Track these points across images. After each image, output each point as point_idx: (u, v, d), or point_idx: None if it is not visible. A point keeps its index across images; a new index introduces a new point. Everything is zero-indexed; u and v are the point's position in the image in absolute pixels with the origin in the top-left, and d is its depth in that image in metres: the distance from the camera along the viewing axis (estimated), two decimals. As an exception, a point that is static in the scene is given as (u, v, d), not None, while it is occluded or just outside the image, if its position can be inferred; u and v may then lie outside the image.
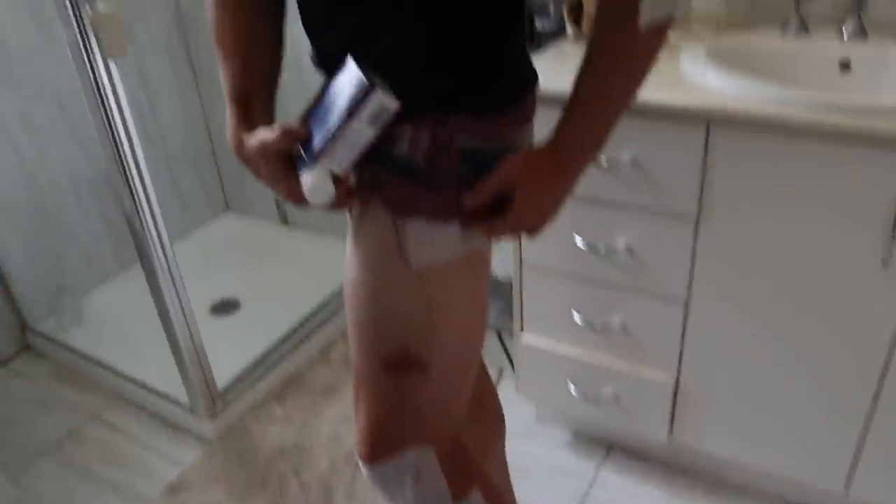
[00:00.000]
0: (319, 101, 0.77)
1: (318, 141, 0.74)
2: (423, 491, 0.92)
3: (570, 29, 1.51)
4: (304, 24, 0.86)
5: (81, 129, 2.17)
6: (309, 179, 0.75)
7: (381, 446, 0.91)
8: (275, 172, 0.79)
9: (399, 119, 0.74)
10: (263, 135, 0.78)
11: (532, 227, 0.82)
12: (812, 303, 1.24)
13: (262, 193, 2.58)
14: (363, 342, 0.89)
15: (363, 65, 0.74)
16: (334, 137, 0.73)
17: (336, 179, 0.76)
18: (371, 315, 0.86)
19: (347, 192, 0.80)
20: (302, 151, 0.76)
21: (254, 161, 0.81)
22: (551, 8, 1.54)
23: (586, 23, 1.48)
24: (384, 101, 0.71)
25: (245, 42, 0.84)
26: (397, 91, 0.72)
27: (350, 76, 0.73)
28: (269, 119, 0.85)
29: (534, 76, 0.87)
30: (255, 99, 0.84)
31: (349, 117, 0.71)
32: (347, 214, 1.07)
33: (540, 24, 1.55)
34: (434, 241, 0.82)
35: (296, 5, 0.85)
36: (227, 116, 0.85)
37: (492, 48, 0.80)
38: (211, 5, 0.86)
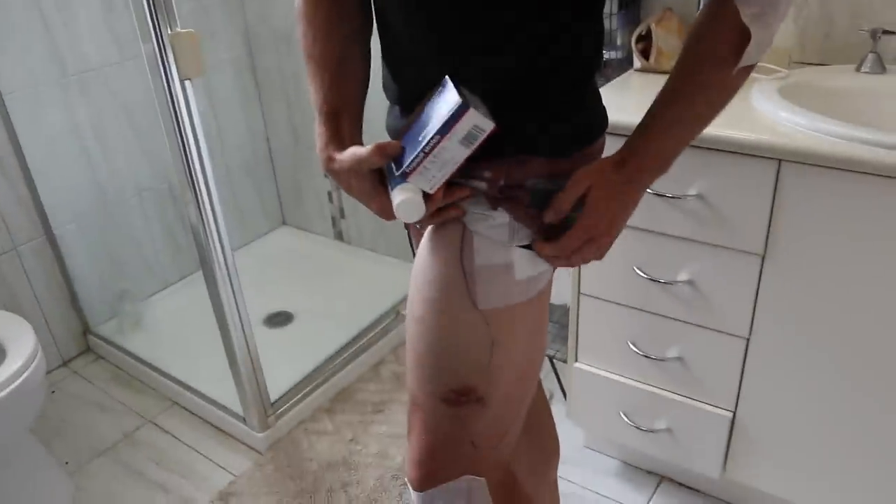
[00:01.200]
0: (414, 121, 0.78)
1: (409, 158, 0.75)
2: None
3: (637, 61, 1.52)
4: (388, 58, 0.88)
5: (148, 140, 2.24)
6: (399, 196, 0.75)
7: (433, 473, 0.91)
8: (366, 188, 0.81)
9: (480, 158, 0.75)
10: (357, 151, 0.79)
11: (601, 235, 0.82)
12: (878, 348, 1.21)
13: (319, 209, 2.63)
14: (423, 374, 0.89)
15: (461, 86, 0.74)
16: (426, 155, 0.73)
17: (427, 197, 0.77)
18: (434, 351, 0.87)
19: (437, 211, 0.81)
20: (394, 168, 0.77)
21: (345, 176, 0.82)
22: (618, 38, 1.55)
23: (654, 55, 1.48)
24: (478, 121, 0.71)
25: (336, 60, 0.86)
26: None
27: (446, 96, 0.74)
28: (358, 135, 0.86)
29: (605, 120, 0.90)
30: (344, 116, 0.85)
31: (442, 135, 0.72)
32: (409, 239, 1.09)
33: (606, 55, 1.56)
34: (503, 284, 0.83)
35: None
36: (315, 132, 0.86)
37: (573, 95, 0.83)
38: (301, 21, 0.87)
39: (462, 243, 0.82)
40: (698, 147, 1.22)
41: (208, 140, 1.52)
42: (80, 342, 2.26)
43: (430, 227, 0.86)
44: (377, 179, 0.80)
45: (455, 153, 0.73)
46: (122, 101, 2.16)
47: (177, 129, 1.47)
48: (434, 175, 0.75)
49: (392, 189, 0.77)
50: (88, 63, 2.06)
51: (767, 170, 1.18)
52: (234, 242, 1.66)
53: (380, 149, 0.77)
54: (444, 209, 0.81)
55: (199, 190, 1.54)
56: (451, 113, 0.71)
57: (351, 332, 2.10)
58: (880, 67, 1.37)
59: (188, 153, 1.50)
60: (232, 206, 2.56)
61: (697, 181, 1.25)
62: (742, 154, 1.19)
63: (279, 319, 2.26)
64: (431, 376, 0.88)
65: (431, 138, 0.73)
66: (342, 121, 0.85)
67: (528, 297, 0.85)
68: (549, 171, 0.81)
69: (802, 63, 1.50)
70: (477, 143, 0.73)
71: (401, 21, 0.82)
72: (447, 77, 0.76)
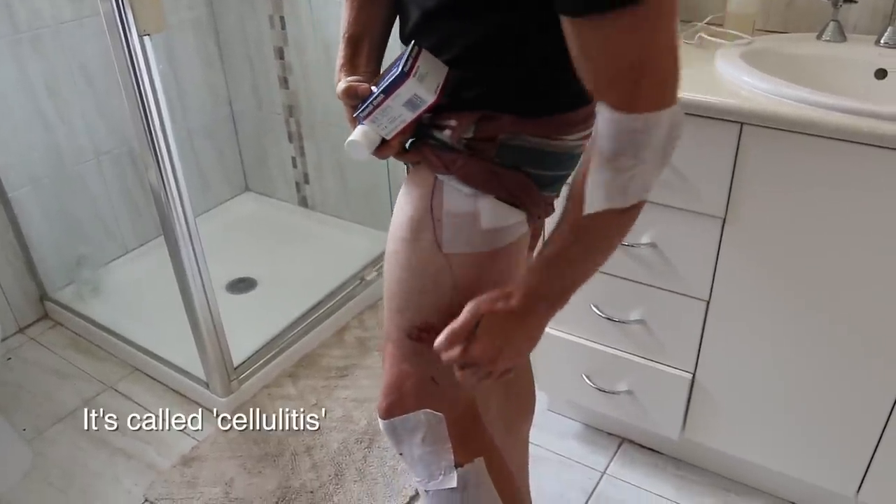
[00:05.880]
0: (386, 72, 0.82)
1: (363, 105, 0.81)
2: (428, 451, 0.97)
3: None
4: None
5: (107, 101, 2.18)
6: (352, 136, 0.81)
7: (397, 403, 0.96)
8: (349, 119, 0.87)
9: (448, 107, 0.78)
10: (341, 84, 0.86)
11: (484, 364, 0.84)
12: (835, 308, 1.24)
13: (283, 174, 2.60)
14: (392, 308, 0.94)
15: (424, 53, 0.78)
16: (374, 108, 0.79)
17: (385, 141, 0.82)
18: (402, 287, 0.91)
19: (392, 152, 0.86)
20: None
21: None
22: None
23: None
24: (418, 91, 0.76)
25: None
26: (457, 83, 0.77)
27: (402, 60, 0.78)
28: (374, 64, 0.92)
29: (585, 93, 0.88)
30: (365, 42, 0.91)
31: (385, 95, 0.78)
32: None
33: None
34: (468, 231, 0.86)
35: None
36: (338, 55, 0.91)
37: (552, 56, 0.81)
38: None
39: (433, 189, 0.86)
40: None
41: (169, 102, 1.48)
42: (36, 308, 2.21)
43: (409, 170, 0.91)
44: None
45: (401, 112, 0.79)
46: (79, 59, 2.09)
47: (136, 88, 1.43)
48: (386, 126, 0.80)
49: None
50: (42, 19, 1.98)
51: (729, 133, 1.19)
52: (197, 208, 1.63)
53: (347, 90, 0.84)
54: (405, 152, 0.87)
55: (160, 152, 1.51)
56: (392, 78, 0.77)
57: (314, 297, 2.09)
58: (840, 36, 1.39)
59: (148, 113, 1.46)
60: (194, 171, 2.51)
61: (661, 145, 1.26)
62: (705, 117, 1.20)
63: (242, 285, 2.24)
64: (399, 311, 0.93)
65: (377, 95, 0.78)
66: (361, 47, 0.90)
67: (494, 246, 0.87)
68: (522, 129, 0.82)
69: (765, 30, 1.52)
70: (421, 110, 0.78)
71: None
72: (412, 42, 0.80)
